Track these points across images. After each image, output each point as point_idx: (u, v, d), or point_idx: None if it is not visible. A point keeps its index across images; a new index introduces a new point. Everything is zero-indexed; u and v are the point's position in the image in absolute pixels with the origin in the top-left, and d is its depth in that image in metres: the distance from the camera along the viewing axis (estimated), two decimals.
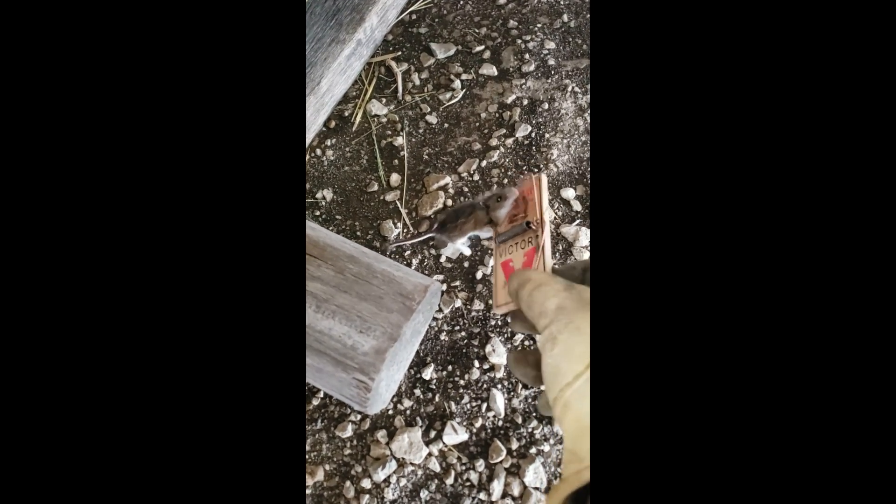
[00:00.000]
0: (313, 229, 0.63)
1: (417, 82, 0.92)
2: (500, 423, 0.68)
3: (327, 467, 0.67)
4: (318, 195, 0.83)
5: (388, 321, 0.55)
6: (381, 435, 0.68)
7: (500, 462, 0.66)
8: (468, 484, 0.66)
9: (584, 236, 0.78)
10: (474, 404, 0.69)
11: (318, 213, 0.82)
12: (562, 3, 0.97)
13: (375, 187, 0.83)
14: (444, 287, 0.71)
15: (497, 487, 0.64)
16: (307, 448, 0.68)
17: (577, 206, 0.81)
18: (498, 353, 0.71)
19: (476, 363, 0.71)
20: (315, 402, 0.70)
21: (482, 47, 0.95)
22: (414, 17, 0.98)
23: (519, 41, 0.95)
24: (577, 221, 0.79)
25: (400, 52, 0.95)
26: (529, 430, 0.67)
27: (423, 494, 0.65)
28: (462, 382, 0.70)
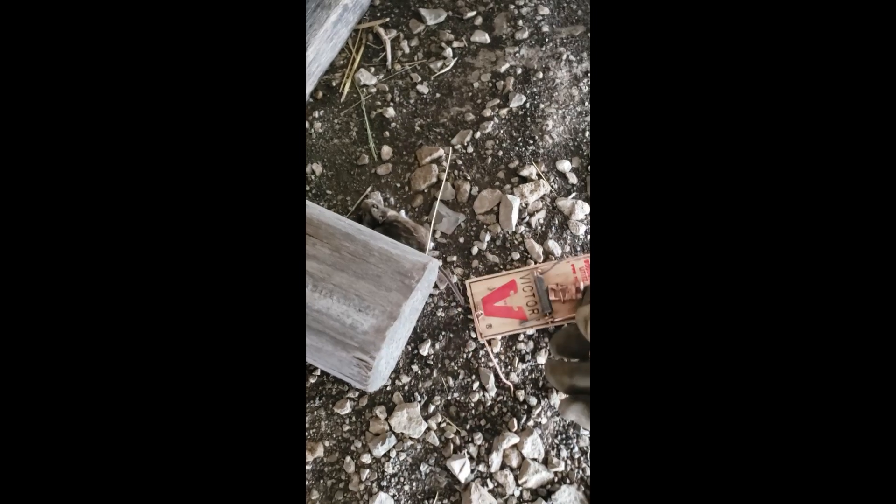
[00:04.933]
0: (307, 206, 0.62)
1: (407, 50, 0.89)
2: (495, 397, 0.68)
3: (327, 443, 0.67)
4: (308, 169, 0.81)
5: (388, 300, 0.54)
6: (379, 411, 0.68)
7: (507, 443, 0.67)
8: (468, 457, 0.66)
9: (580, 210, 0.77)
10: (471, 379, 0.69)
11: (308, 187, 0.80)
12: None
13: (366, 160, 0.81)
14: (441, 263, 0.70)
15: (496, 459, 0.65)
16: (306, 425, 0.68)
17: (573, 179, 0.80)
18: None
19: (471, 340, 0.71)
20: (312, 379, 0.69)
21: (474, 13, 0.91)
22: None
23: (512, 6, 0.92)
24: (573, 195, 0.79)
25: (388, 19, 0.91)
26: (528, 403, 0.68)
27: (423, 468, 0.66)
28: (459, 362, 0.70)
